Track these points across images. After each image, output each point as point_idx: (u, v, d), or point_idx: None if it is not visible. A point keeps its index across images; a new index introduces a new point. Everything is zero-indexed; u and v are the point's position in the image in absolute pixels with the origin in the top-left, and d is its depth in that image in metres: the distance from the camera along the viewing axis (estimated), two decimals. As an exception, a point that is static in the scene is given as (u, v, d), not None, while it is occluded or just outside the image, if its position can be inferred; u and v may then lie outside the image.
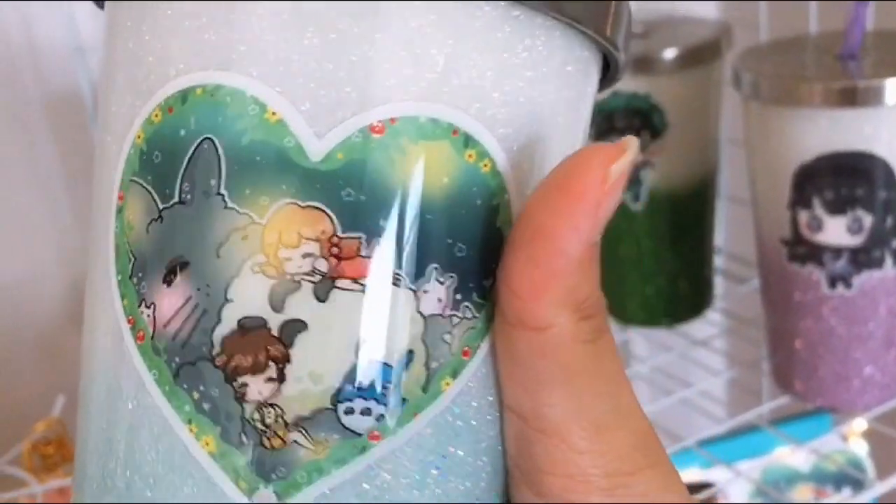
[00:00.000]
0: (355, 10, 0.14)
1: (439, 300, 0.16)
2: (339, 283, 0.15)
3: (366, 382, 0.15)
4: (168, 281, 0.15)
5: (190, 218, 0.15)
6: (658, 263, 0.59)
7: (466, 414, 0.16)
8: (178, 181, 0.15)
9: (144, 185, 0.16)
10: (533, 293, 0.16)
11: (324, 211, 0.15)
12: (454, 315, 0.16)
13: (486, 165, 0.16)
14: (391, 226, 0.15)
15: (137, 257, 0.16)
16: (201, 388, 0.15)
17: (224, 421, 0.15)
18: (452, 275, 0.16)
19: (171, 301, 0.15)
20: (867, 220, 0.44)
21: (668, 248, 0.59)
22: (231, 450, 0.15)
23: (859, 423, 0.55)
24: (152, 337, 0.16)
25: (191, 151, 0.15)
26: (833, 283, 0.46)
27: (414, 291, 0.16)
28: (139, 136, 0.16)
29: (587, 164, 0.16)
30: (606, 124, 0.56)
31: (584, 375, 0.16)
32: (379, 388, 0.15)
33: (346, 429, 0.15)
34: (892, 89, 0.42)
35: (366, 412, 0.15)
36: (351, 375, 0.15)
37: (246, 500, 0.15)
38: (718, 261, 0.65)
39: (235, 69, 0.15)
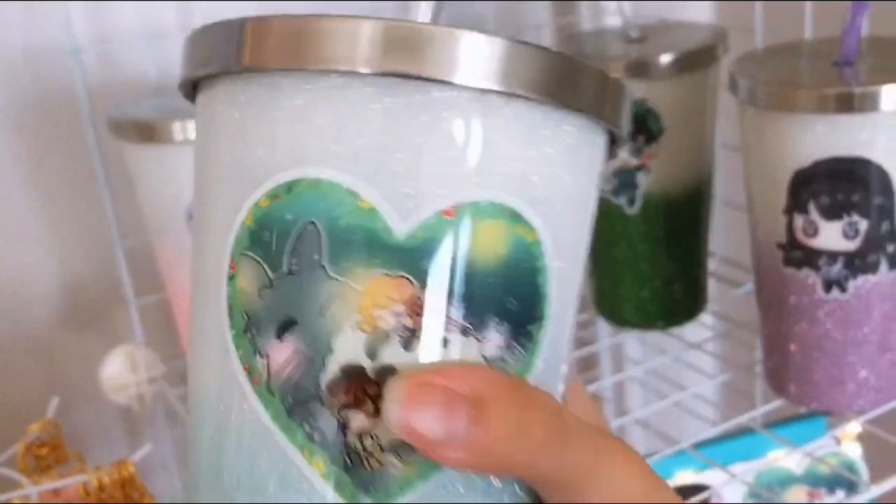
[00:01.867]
0: (429, 126, 0.18)
1: (498, 346, 0.20)
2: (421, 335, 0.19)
3: None
4: (280, 336, 0.19)
5: (298, 285, 0.19)
6: (653, 267, 0.59)
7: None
8: (287, 255, 0.19)
9: (256, 258, 0.19)
10: None
11: (408, 279, 0.19)
12: (509, 355, 0.20)
13: (530, 236, 0.20)
14: (461, 288, 0.19)
15: (251, 317, 0.19)
16: (311, 421, 0.19)
17: (331, 447, 0.19)
18: (507, 323, 0.20)
19: (282, 352, 0.19)
20: (862, 225, 0.44)
21: (663, 252, 0.59)
22: (338, 471, 0.19)
23: (853, 426, 0.56)
24: (267, 381, 0.19)
25: (297, 231, 0.19)
26: (828, 287, 0.46)
27: (478, 339, 0.20)
28: (248, 219, 0.19)
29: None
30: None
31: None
32: None
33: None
34: (888, 96, 0.42)
35: None
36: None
37: None
38: (712, 264, 0.66)
39: (334, 166, 0.18)
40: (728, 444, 0.55)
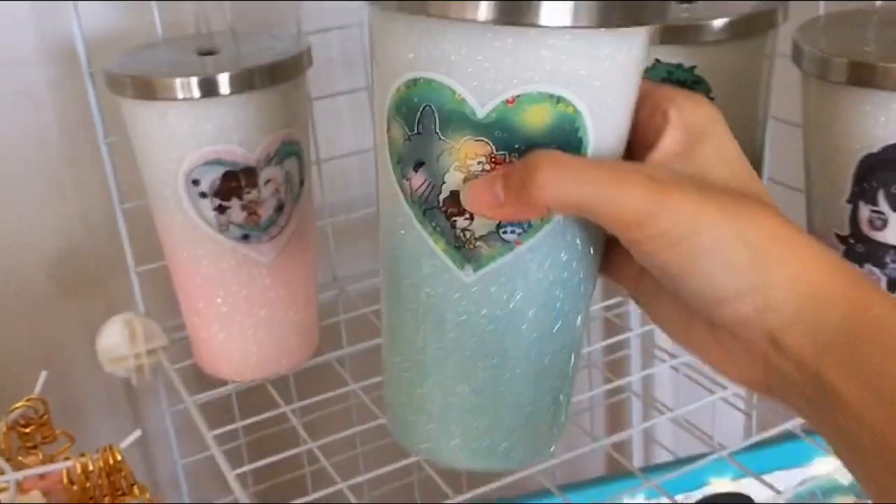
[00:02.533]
0: (515, 36, 0.28)
1: None
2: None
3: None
4: (415, 170, 0.30)
5: (423, 142, 0.30)
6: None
7: (566, 229, 0.31)
8: (415, 123, 0.30)
9: (399, 121, 0.30)
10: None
11: (486, 141, 0.29)
12: None
13: (570, 109, 0.29)
14: (521, 146, 0.29)
15: (399, 156, 0.31)
16: (435, 220, 0.31)
17: (447, 234, 0.31)
18: None
19: (417, 180, 0.31)
20: (939, 219, 0.39)
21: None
22: (451, 249, 0.31)
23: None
24: (411, 195, 0.31)
25: (420, 110, 0.30)
26: (893, 286, 0.41)
27: None
28: (393, 96, 0.30)
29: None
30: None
31: None
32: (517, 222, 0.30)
33: (504, 240, 0.30)
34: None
35: (512, 233, 0.30)
36: None
37: (459, 272, 0.31)
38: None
39: (441, 71, 0.29)
40: (768, 450, 0.50)
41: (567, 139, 0.29)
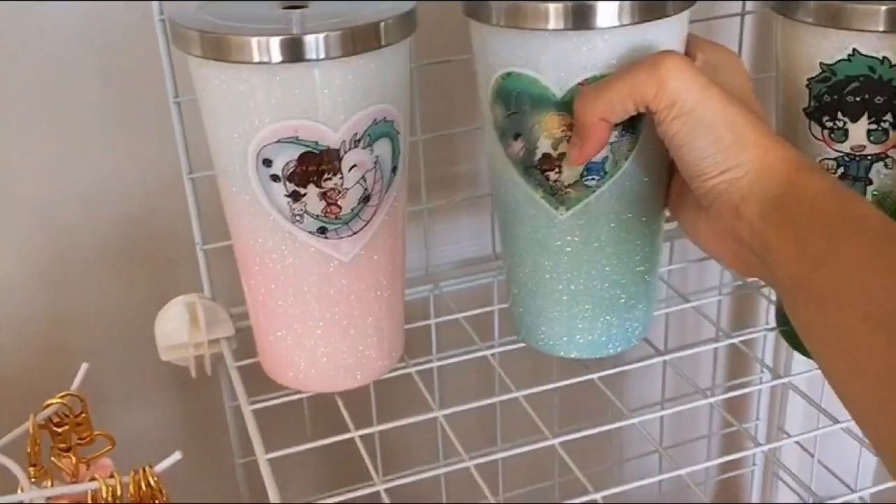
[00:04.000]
0: (577, 36, 0.38)
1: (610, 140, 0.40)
2: None
3: (592, 168, 0.41)
4: (515, 138, 0.41)
5: (518, 119, 0.40)
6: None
7: (633, 180, 0.42)
8: (511, 104, 0.40)
9: (499, 102, 0.41)
10: None
11: (566, 115, 0.39)
12: (621, 139, 0.40)
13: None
14: None
15: (502, 129, 0.41)
16: (532, 175, 0.42)
17: (543, 185, 0.42)
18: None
19: (516, 146, 0.41)
20: None
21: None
22: (547, 195, 0.42)
23: None
24: (513, 157, 0.42)
25: (514, 95, 0.40)
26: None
27: None
28: (493, 85, 0.41)
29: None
30: (833, 96, 0.40)
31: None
32: (595, 170, 0.41)
33: (586, 186, 0.41)
34: None
35: (592, 179, 0.41)
36: (587, 167, 0.41)
37: (555, 212, 0.42)
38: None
39: (528, 66, 0.39)
40: None
41: None
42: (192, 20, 0.39)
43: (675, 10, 0.38)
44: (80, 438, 0.43)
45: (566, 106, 0.39)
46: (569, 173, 0.41)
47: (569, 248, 0.43)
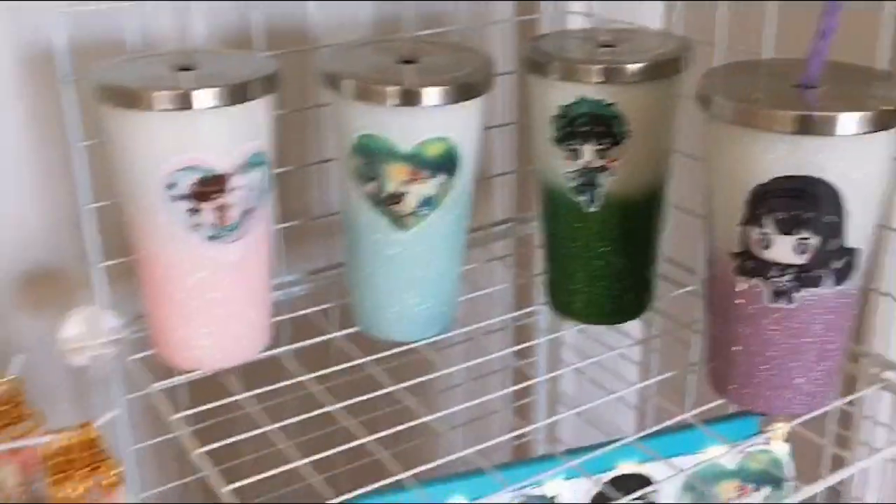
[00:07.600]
0: (418, 110, 0.54)
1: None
2: None
3: (424, 203, 0.57)
4: (369, 181, 0.56)
5: (373, 166, 0.55)
6: (607, 265, 0.62)
7: (450, 209, 0.58)
8: (369, 155, 0.54)
9: (357, 154, 0.55)
10: None
11: (408, 165, 0.55)
12: (446, 182, 0.57)
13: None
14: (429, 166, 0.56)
15: (361, 174, 0.55)
16: (381, 207, 0.57)
17: (388, 215, 0.57)
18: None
19: (370, 186, 0.56)
20: (813, 241, 0.47)
21: (618, 251, 0.61)
22: (391, 222, 0.57)
23: (783, 427, 0.59)
24: (366, 194, 0.56)
25: (371, 150, 0.54)
26: (776, 297, 0.49)
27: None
28: (353, 142, 0.54)
29: None
30: (569, 128, 0.58)
31: None
32: (426, 203, 0.57)
33: (421, 215, 0.57)
34: (845, 122, 0.45)
35: (424, 210, 0.57)
36: (420, 202, 0.57)
37: (399, 233, 0.57)
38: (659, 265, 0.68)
39: (376, 130, 0.54)
40: (666, 438, 0.58)
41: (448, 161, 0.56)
42: (108, 79, 0.51)
43: (478, 92, 0.55)
44: (12, 418, 0.53)
45: (411, 158, 0.53)
46: (407, 206, 0.55)
47: (404, 257, 0.58)
